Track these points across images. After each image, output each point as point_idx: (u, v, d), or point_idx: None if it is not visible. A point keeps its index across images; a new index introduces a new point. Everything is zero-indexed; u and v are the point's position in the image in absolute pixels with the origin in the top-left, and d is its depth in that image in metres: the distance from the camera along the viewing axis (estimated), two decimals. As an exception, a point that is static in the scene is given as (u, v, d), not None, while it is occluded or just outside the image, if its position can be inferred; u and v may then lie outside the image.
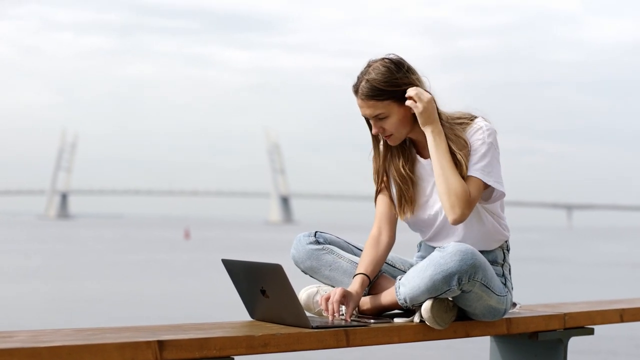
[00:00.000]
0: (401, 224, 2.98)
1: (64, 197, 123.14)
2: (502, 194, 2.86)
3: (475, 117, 2.88)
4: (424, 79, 2.83)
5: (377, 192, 2.96)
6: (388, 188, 2.95)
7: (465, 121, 2.86)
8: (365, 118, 2.87)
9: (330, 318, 2.66)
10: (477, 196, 2.78)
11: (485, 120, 2.87)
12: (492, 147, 2.82)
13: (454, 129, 2.82)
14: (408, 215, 2.90)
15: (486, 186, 2.81)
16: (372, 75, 2.77)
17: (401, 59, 2.81)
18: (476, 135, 2.82)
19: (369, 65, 2.80)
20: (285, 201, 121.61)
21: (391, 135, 2.82)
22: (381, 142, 2.94)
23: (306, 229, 3.03)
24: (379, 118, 2.80)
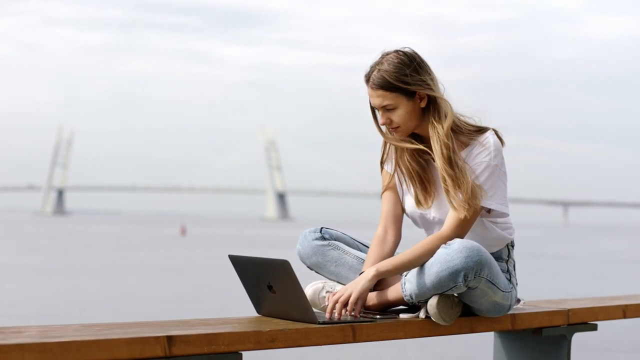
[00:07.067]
0: (406, 222, 2.98)
1: (60, 194, 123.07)
2: (504, 214, 2.87)
3: (485, 130, 2.85)
4: (440, 86, 2.81)
5: (384, 190, 2.96)
6: (395, 186, 2.94)
7: (473, 136, 2.83)
8: (373, 110, 2.87)
9: (327, 316, 2.64)
10: (473, 219, 2.78)
11: (496, 134, 2.85)
12: (497, 168, 2.81)
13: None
14: (430, 202, 2.87)
15: (488, 208, 2.83)
16: (385, 66, 2.78)
17: (415, 53, 2.82)
18: (480, 157, 2.80)
19: (382, 56, 2.82)
20: (281, 198, 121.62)
21: (398, 127, 2.83)
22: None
23: (302, 225, 3.02)
24: (387, 109, 2.81)
